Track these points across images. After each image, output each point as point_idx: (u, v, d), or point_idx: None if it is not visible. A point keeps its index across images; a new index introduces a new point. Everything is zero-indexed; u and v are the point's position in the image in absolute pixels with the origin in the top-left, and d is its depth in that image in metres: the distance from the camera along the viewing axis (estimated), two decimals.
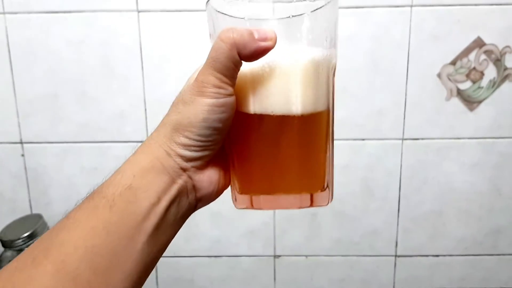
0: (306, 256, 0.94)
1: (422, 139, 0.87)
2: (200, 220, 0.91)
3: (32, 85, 0.85)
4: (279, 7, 0.37)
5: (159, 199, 0.35)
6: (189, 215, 0.38)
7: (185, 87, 0.37)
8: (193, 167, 0.36)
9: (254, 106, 0.35)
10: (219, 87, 0.34)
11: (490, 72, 0.84)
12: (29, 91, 0.86)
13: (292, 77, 0.35)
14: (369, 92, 0.85)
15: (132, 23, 0.82)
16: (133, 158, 0.36)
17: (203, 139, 0.35)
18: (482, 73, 0.83)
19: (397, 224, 0.92)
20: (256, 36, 0.33)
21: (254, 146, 0.37)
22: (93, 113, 0.87)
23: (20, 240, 0.87)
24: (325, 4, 0.35)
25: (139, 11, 0.82)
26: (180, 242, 0.92)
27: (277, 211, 0.91)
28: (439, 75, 0.83)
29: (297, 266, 0.94)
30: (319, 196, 0.38)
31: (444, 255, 0.94)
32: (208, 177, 0.38)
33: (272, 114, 0.35)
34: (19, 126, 0.87)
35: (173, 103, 0.37)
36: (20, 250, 0.87)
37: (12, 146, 0.89)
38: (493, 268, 0.94)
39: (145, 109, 0.86)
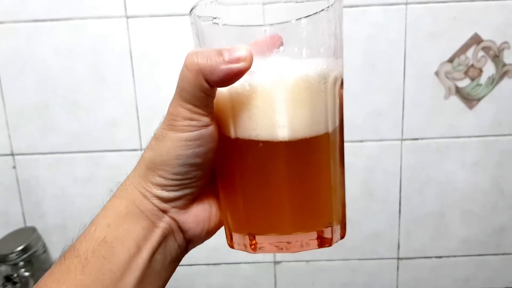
0: (307, 261, 0.93)
1: (422, 139, 0.86)
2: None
3: (21, 95, 0.84)
4: (273, 9, 0.33)
5: (139, 249, 0.31)
6: (181, 258, 0.35)
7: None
8: (174, 207, 0.33)
9: (236, 130, 0.31)
10: (191, 119, 0.30)
11: (489, 69, 0.83)
12: (18, 101, 0.85)
13: (277, 96, 0.29)
14: (366, 92, 0.84)
15: (121, 30, 0.81)
16: (108, 204, 0.33)
17: (180, 177, 0.31)
18: (480, 70, 0.82)
19: (399, 226, 0.91)
20: (226, 57, 0.28)
21: (240, 176, 0.32)
22: (84, 122, 0.85)
23: (14, 254, 0.86)
24: (326, 8, 0.30)
25: (128, 17, 0.81)
26: None
27: None
28: (437, 73, 0.82)
29: (298, 271, 0.93)
30: (325, 235, 0.33)
31: (448, 256, 0.93)
32: (195, 216, 0.34)
33: (256, 139, 0.30)
34: (9, 137, 0.86)
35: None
36: (15, 265, 0.86)
37: (3, 158, 0.87)
38: (498, 268, 0.94)
39: (138, 116, 0.85)
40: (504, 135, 0.85)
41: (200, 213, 0.34)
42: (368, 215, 0.90)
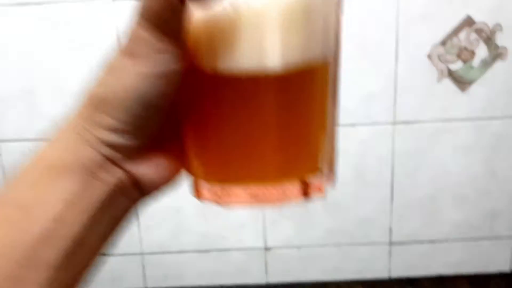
0: (298, 247, 0.93)
1: (414, 122, 0.85)
2: (187, 214, 0.89)
3: (5, 80, 0.83)
4: None
5: (69, 209, 0.25)
6: (131, 215, 0.28)
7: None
8: (128, 157, 0.26)
9: (213, 63, 0.25)
10: (159, 51, 0.24)
11: (481, 52, 0.82)
12: (2, 87, 0.83)
13: (268, 19, 0.24)
14: (358, 76, 0.83)
15: (108, 11, 0.80)
16: (36, 156, 0.26)
17: (137, 120, 0.25)
18: (473, 53, 0.82)
19: (391, 211, 0.91)
20: None
21: (216, 116, 0.27)
22: (71, 108, 0.84)
23: None
24: None
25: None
26: (167, 237, 0.90)
27: None
28: (429, 56, 0.82)
29: (289, 258, 0.93)
30: (313, 182, 0.28)
31: (440, 241, 0.93)
32: (155, 166, 0.27)
33: (239, 71, 0.25)
34: None
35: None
36: None
37: None
38: (490, 251, 0.94)
39: None
40: (497, 118, 0.85)
41: (160, 162, 0.27)
42: (360, 200, 0.90)
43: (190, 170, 0.29)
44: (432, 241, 0.93)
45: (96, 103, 0.25)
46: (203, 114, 0.27)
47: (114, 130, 0.25)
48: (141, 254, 0.91)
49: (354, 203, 0.90)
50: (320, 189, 0.29)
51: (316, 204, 0.90)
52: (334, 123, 0.30)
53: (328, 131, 0.29)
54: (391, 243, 0.93)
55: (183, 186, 0.30)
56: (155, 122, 0.26)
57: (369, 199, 0.90)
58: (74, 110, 0.26)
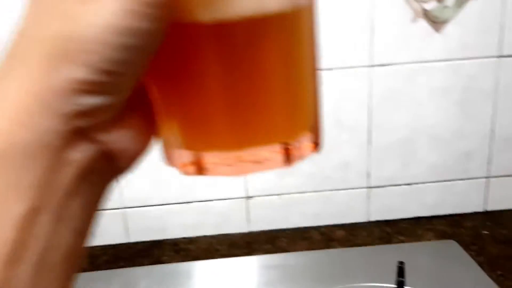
0: (279, 194, 0.96)
1: (390, 64, 0.88)
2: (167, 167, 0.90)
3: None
4: None
5: (36, 210, 0.19)
6: (105, 196, 0.24)
7: None
8: (100, 125, 0.21)
9: (206, 8, 0.22)
10: None
11: None
12: None
13: None
14: (330, 17, 0.84)
15: None
16: None
17: (115, 68, 0.19)
18: None
19: (368, 155, 0.94)
20: None
21: (205, 73, 0.24)
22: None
23: None
24: None
25: None
26: (148, 190, 0.92)
27: None
28: None
29: (269, 205, 0.96)
30: (296, 147, 0.27)
31: (417, 183, 0.97)
32: (128, 131, 0.23)
33: (235, 16, 0.22)
34: None
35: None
36: None
37: None
38: (465, 192, 0.99)
39: None
40: (471, 58, 0.89)
41: (135, 125, 0.23)
42: (338, 145, 0.93)
43: (163, 135, 0.26)
44: (409, 184, 0.97)
45: (61, 45, 0.18)
46: (187, 72, 0.24)
47: (87, 86, 0.19)
48: (123, 208, 0.93)
49: (332, 148, 0.93)
50: (302, 155, 0.27)
51: None
52: (318, 80, 0.28)
53: (313, 86, 0.28)
54: (369, 187, 0.97)
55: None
56: (135, 73, 0.21)
57: (347, 144, 0.93)
58: (10, 54, 0.20)
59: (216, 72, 0.23)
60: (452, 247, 0.84)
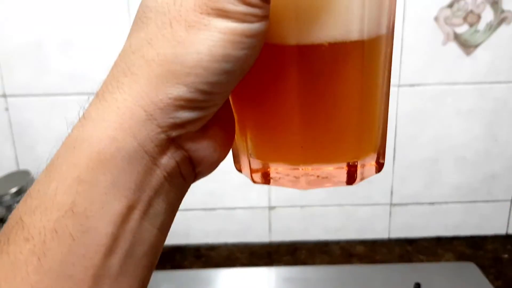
0: (301, 206, 0.98)
1: (418, 85, 0.90)
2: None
3: (13, 33, 0.86)
4: None
5: (129, 210, 0.22)
6: (182, 200, 0.27)
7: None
8: (188, 133, 0.23)
9: (293, 34, 0.24)
10: (249, 4, 0.21)
11: (487, 15, 0.87)
12: (11, 40, 0.87)
13: None
14: None
15: None
16: (78, 135, 0.23)
17: (211, 89, 0.22)
18: (479, 16, 0.86)
19: (393, 172, 0.96)
20: None
21: (284, 91, 0.26)
22: (80, 63, 0.88)
23: (8, 196, 0.90)
24: None
25: None
26: None
27: None
28: (436, 19, 0.86)
29: (292, 216, 0.98)
30: (361, 167, 0.28)
31: (439, 203, 0.99)
32: (211, 141, 0.25)
33: (324, 42, 0.24)
34: (1, 78, 0.88)
35: (151, 21, 0.23)
36: (9, 207, 0.90)
37: None
38: (488, 214, 1.00)
39: None
40: (500, 82, 0.90)
41: (217, 136, 0.26)
42: None
43: (238, 142, 0.29)
44: (431, 203, 0.99)
45: (168, 67, 0.22)
46: (268, 89, 0.27)
47: (187, 103, 0.22)
48: None
49: None
50: (366, 175, 0.29)
51: None
52: (388, 100, 0.29)
53: (383, 111, 0.29)
54: (391, 204, 0.99)
55: None
56: (227, 92, 0.24)
57: None
58: (119, 70, 0.23)
59: (295, 92, 0.26)
60: (470, 269, 0.86)
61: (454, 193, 0.98)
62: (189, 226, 0.99)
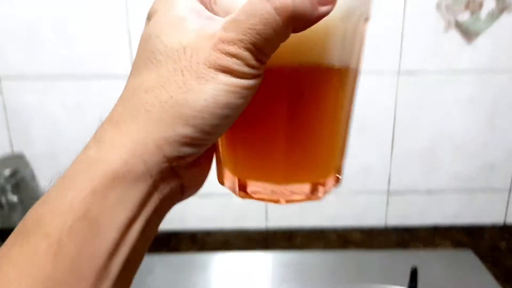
0: None
1: (418, 73, 0.91)
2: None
3: (7, 15, 0.86)
4: None
5: (132, 221, 0.26)
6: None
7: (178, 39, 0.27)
8: (185, 164, 0.28)
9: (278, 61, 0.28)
10: (253, 66, 0.26)
11: (489, 3, 0.87)
12: (4, 21, 0.87)
13: (318, 40, 0.28)
14: None
15: None
16: (95, 153, 0.26)
17: (212, 130, 0.27)
18: (481, 4, 0.87)
19: (391, 161, 0.97)
20: None
21: (265, 121, 0.30)
22: (75, 45, 0.88)
23: (2, 178, 0.91)
24: None
25: None
26: None
27: None
28: (437, 6, 0.87)
29: (288, 204, 0.99)
30: (322, 185, 0.32)
31: (438, 191, 1.00)
32: (200, 170, 0.31)
33: (291, 68, 0.29)
34: None
35: (162, 65, 0.27)
36: (2, 189, 0.91)
37: None
38: (485, 204, 1.02)
39: (130, 41, 0.88)
40: (500, 71, 0.91)
41: (205, 165, 0.31)
42: (360, 149, 0.96)
43: (219, 158, 0.34)
44: (429, 192, 1.00)
45: (179, 109, 0.26)
46: (252, 116, 0.30)
47: (191, 140, 0.26)
48: None
49: (355, 152, 0.97)
50: (326, 191, 0.33)
51: None
52: (349, 126, 0.34)
53: (344, 136, 0.33)
54: (389, 192, 1.00)
55: None
56: (222, 132, 0.28)
57: (370, 148, 0.96)
58: (141, 113, 0.26)
59: (275, 121, 0.30)
60: (468, 257, 0.88)
61: (452, 182, 1.00)
62: (185, 212, 1.00)
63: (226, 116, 0.26)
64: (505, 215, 1.03)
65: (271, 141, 0.30)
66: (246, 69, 0.26)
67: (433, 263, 0.84)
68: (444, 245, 0.96)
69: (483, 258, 0.89)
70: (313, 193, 0.32)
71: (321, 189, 0.32)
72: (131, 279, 0.28)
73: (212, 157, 0.33)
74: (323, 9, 0.25)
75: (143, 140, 0.26)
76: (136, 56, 0.28)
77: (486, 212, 1.02)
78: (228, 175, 0.33)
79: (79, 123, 0.93)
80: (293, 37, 0.26)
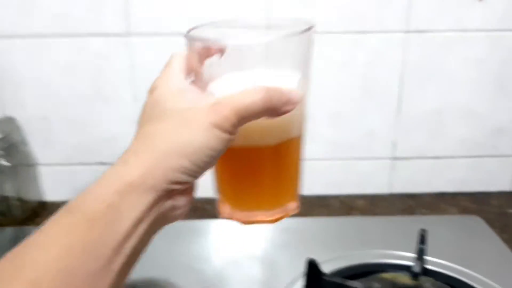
0: None
1: (427, 31, 0.88)
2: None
3: None
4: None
5: (141, 220, 0.35)
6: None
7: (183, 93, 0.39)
8: (179, 189, 0.38)
9: (247, 140, 0.42)
10: (234, 127, 0.38)
11: None
12: None
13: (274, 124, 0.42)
14: None
15: None
16: (120, 168, 0.37)
17: (202, 165, 0.37)
18: None
19: (396, 125, 0.95)
20: (290, 98, 0.39)
21: (238, 172, 0.45)
22: (67, 4, 0.85)
23: None
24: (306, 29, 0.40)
25: None
26: None
27: None
28: None
29: None
30: (287, 210, 0.47)
31: (444, 157, 0.98)
32: (188, 198, 0.41)
33: (256, 147, 0.43)
34: None
35: (173, 109, 0.38)
36: None
37: None
38: (493, 170, 0.99)
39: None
40: None
41: (190, 195, 0.41)
42: (364, 112, 0.94)
43: (221, 198, 0.48)
44: (435, 157, 0.98)
45: (181, 146, 0.36)
46: (230, 172, 0.45)
47: (187, 171, 0.37)
48: None
49: (359, 115, 0.94)
50: (288, 214, 0.47)
51: (319, 116, 0.93)
52: (300, 168, 0.48)
53: (299, 179, 0.48)
54: (394, 158, 0.98)
55: None
56: (208, 168, 0.39)
57: (375, 112, 0.94)
58: (150, 140, 0.38)
59: (251, 173, 0.44)
60: (476, 223, 0.85)
61: (459, 147, 0.97)
62: None
63: (212, 156, 0.37)
64: None
65: (251, 186, 0.45)
66: (229, 128, 0.37)
67: (440, 229, 0.81)
68: (450, 212, 0.93)
69: (491, 224, 0.86)
70: (278, 217, 0.46)
71: (282, 214, 0.47)
72: (133, 265, 0.37)
73: (193, 191, 0.42)
74: (288, 108, 0.40)
75: (154, 166, 0.36)
76: (143, 115, 0.40)
77: (493, 179, 1.00)
78: (221, 204, 0.48)
79: (72, 86, 0.90)
80: (269, 120, 0.40)
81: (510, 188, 1.01)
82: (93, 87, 0.90)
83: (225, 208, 0.47)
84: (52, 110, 0.92)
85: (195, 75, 0.42)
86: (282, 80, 0.40)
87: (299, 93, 0.41)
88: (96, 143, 0.94)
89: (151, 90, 0.41)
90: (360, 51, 0.89)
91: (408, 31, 0.87)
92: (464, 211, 0.93)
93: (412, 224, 0.84)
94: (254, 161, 0.43)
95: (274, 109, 0.38)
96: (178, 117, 0.37)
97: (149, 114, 0.40)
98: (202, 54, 0.41)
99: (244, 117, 0.37)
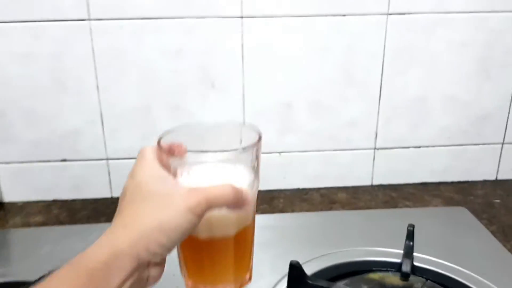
0: (279, 152, 0.92)
1: (409, 13, 0.84)
2: (155, 115, 0.87)
3: None
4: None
5: (126, 280, 0.41)
6: None
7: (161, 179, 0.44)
8: (155, 260, 0.43)
9: (203, 233, 0.48)
10: (203, 212, 0.43)
11: None
12: None
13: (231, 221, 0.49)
14: None
15: None
16: (112, 237, 0.42)
17: (176, 240, 0.43)
18: None
19: (378, 113, 0.91)
20: (246, 197, 0.45)
21: (200, 257, 0.51)
22: None
23: None
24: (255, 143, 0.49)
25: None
26: (134, 142, 0.88)
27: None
28: None
29: (269, 163, 0.92)
30: (246, 279, 0.54)
31: (426, 146, 0.95)
32: (160, 270, 0.45)
33: (217, 238, 0.49)
34: None
35: (156, 192, 0.44)
36: None
37: None
38: (477, 158, 0.97)
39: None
40: (496, 11, 0.85)
41: (162, 266, 0.46)
42: (345, 101, 0.90)
43: (185, 274, 0.53)
44: (418, 147, 0.95)
45: (160, 228, 0.42)
46: (193, 256, 0.51)
47: (164, 245, 0.42)
48: (107, 159, 0.89)
49: (339, 105, 0.90)
50: (243, 285, 0.53)
51: (299, 106, 0.89)
52: (252, 246, 0.54)
53: (252, 254, 0.54)
54: (375, 149, 0.94)
55: None
56: (178, 242, 0.44)
57: (355, 100, 0.90)
58: (137, 215, 0.43)
59: (212, 257, 0.50)
60: (463, 214, 0.82)
61: (441, 135, 0.94)
62: None
63: (183, 234, 0.42)
64: (497, 170, 0.98)
65: (210, 268, 0.51)
66: (200, 212, 0.42)
67: (426, 222, 0.78)
68: (434, 203, 0.90)
69: (478, 215, 0.83)
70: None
71: (241, 283, 0.53)
72: None
73: (164, 264, 0.46)
74: (245, 205, 0.46)
75: (138, 239, 0.41)
76: (126, 196, 0.45)
77: (477, 168, 0.97)
78: (186, 281, 0.53)
79: (29, 76, 0.83)
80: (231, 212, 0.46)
81: (494, 177, 0.98)
82: (53, 77, 0.84)
83: (189, 282, 0.52)
84: (9, 103, 0.85)
85: (164, 166, 0.47)
86: (239, 180, 0.47)
87: (253, 193, 0.49)
88: (57, 138, 0.88)
89: (132, 175, 0.46)
90: (340, 35, 0.84)
91: (389, 13, 0.84)
92: (449, 202, 0.90)
93: (397, 217, 0.81)
94: (215, 248, 0.49)
95: (236, 204, 0.44)
96: (160, 200, 0.43)
97: (132, 195, 0.45)
98: (169, 151, 0.46)
99: (213, 205, 0.43)
